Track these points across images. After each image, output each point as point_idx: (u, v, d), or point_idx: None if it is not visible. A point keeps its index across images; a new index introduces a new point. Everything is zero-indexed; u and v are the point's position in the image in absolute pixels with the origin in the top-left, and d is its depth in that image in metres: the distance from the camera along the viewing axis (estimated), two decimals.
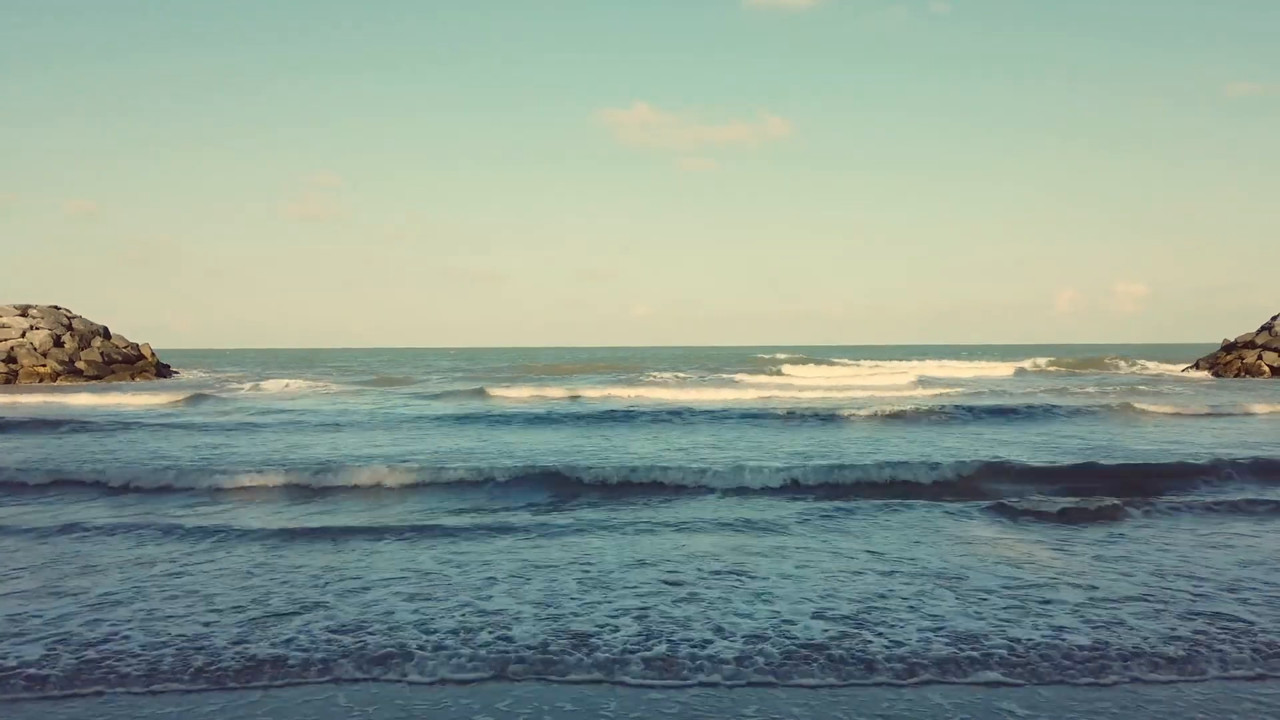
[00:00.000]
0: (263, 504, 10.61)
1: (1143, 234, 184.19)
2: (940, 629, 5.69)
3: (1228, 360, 42.34)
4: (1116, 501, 9.74)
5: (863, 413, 20.36)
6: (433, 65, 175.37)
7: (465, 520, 9.45)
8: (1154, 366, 51.21)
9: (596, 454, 14.13)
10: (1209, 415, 20.69)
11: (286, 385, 36.37)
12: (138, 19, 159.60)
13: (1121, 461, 12.93)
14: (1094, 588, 6.68)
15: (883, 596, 6.45)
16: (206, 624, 5.88)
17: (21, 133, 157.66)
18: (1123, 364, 53.45)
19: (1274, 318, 41.76)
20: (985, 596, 6.43)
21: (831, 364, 56.38)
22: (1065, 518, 9.29)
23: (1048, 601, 6.31)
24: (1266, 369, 39.22)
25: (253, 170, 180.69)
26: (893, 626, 5.74)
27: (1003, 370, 51.03)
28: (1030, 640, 5.50)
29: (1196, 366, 45.41)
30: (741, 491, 11.20)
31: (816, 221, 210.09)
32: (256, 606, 6.26)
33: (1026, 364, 54.77)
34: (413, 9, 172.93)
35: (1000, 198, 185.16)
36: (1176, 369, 47.93)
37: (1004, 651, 5.32)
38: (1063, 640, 5.50)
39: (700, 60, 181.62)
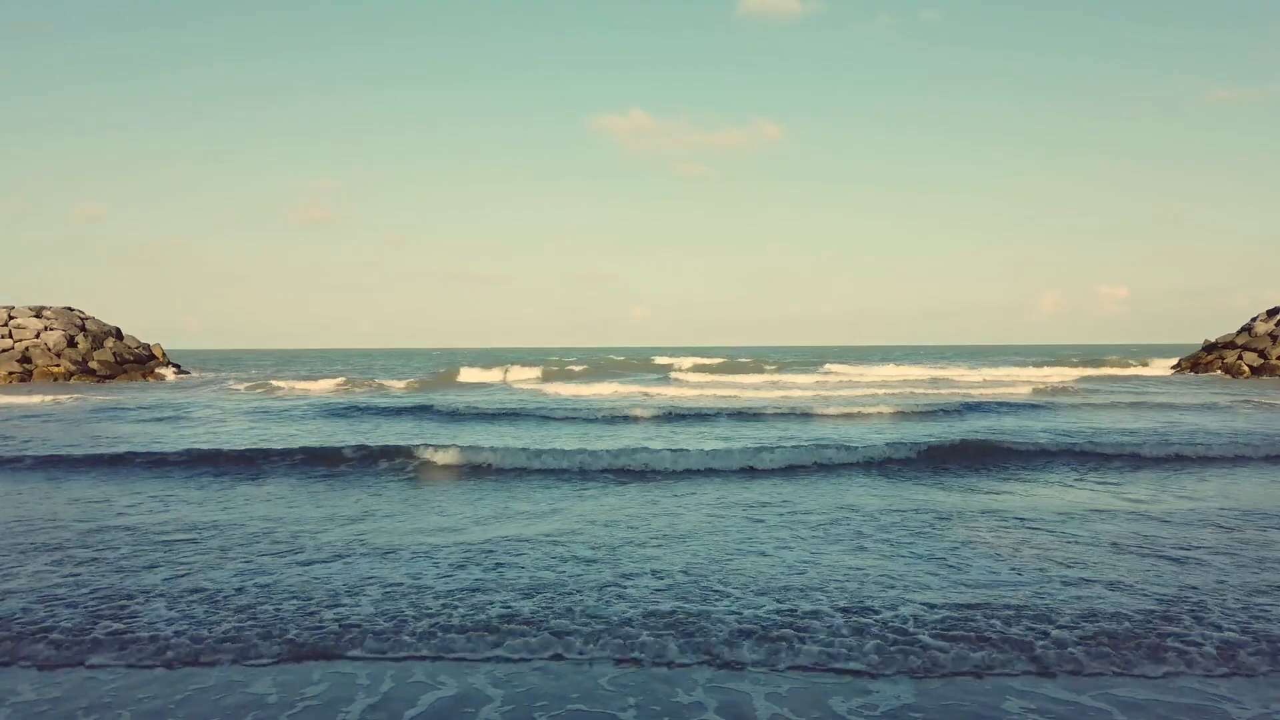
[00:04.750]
0: None
1: (1124, 238, 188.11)
2: None
3: (1209, 360, 43.90)
4: None
5: None
6: (432, 73, 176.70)
7: None
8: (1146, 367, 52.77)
9: None
10: None
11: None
12: (152, 35, 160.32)
13: None
14: None
15: None
16: None
17: (32, 141, 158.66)
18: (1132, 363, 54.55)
19: (1254, 319, 43.33)
20: None
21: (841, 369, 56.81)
22: None
23: None
24: (1247, 369, 40.74)
25: (258, 176, 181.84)
26: None
27: (1060, 376, 44.70)
28: None
29: (1179, 367, 46.98)
30: None
31: (810, 225, 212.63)
32: None
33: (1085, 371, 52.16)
34: (413, 20, 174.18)
35: (987, 201, 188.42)
36: (1163, 369, 49.52)
37: None
38: None
39: (695, 68, 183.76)
